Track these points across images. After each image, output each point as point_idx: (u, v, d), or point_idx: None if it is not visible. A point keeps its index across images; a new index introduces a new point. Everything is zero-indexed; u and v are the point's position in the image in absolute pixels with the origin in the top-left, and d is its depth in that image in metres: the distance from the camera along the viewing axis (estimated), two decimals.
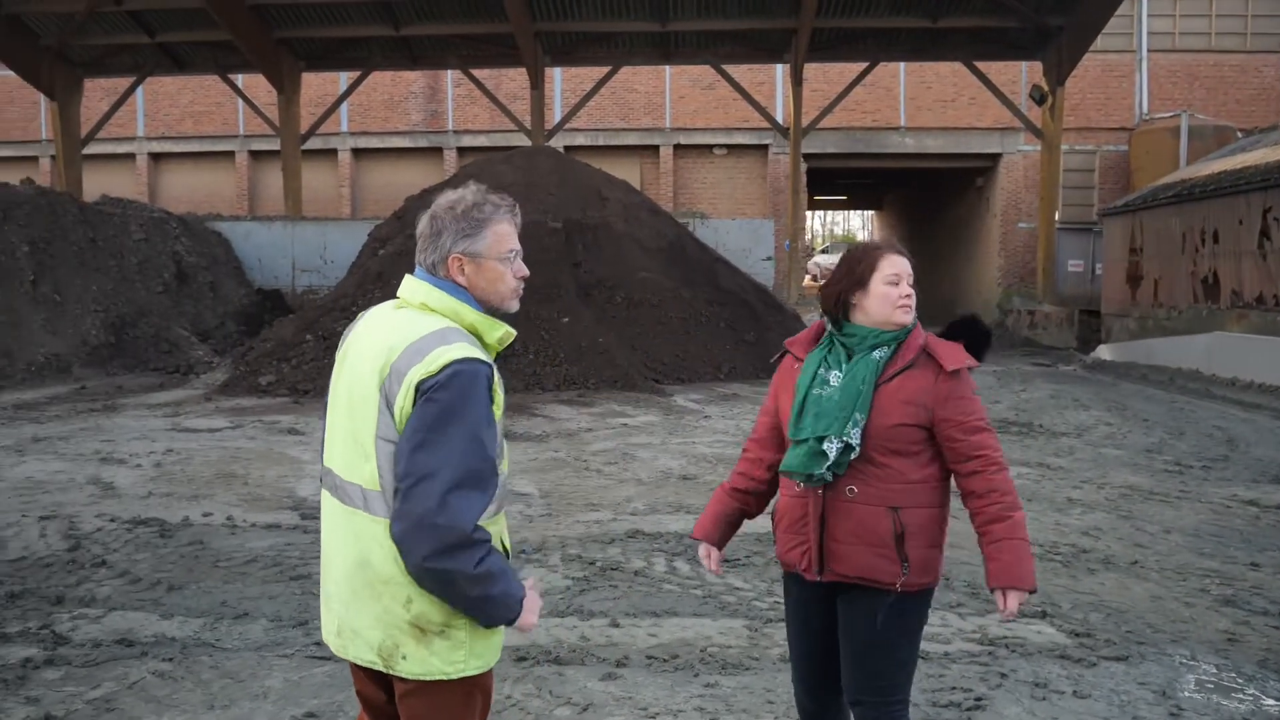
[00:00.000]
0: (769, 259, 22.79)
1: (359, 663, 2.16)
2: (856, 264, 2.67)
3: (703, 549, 2.85)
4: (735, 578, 5.27)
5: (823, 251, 74.42)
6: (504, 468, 2.22)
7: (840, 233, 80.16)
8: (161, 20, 21.81)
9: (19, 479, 7.82)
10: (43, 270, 16.05)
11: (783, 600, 2.83)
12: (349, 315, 14.91)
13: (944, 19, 21.16)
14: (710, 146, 28.53)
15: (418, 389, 2.02)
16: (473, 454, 2.00)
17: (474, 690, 2.16)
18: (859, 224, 72.61)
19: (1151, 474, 8.00)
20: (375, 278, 15.86)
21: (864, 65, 22.98)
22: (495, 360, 2.21)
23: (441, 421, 2.00)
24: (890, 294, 2.61)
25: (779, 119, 25.62)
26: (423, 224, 2.22)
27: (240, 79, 25.21)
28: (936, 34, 21.87)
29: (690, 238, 19.69)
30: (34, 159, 28.66)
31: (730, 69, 23.51)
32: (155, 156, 29.11)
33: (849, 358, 2.61)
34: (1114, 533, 6.19)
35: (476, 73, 24.26)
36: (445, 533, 1.95)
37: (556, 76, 27.79)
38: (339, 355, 2.26)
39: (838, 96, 23.04)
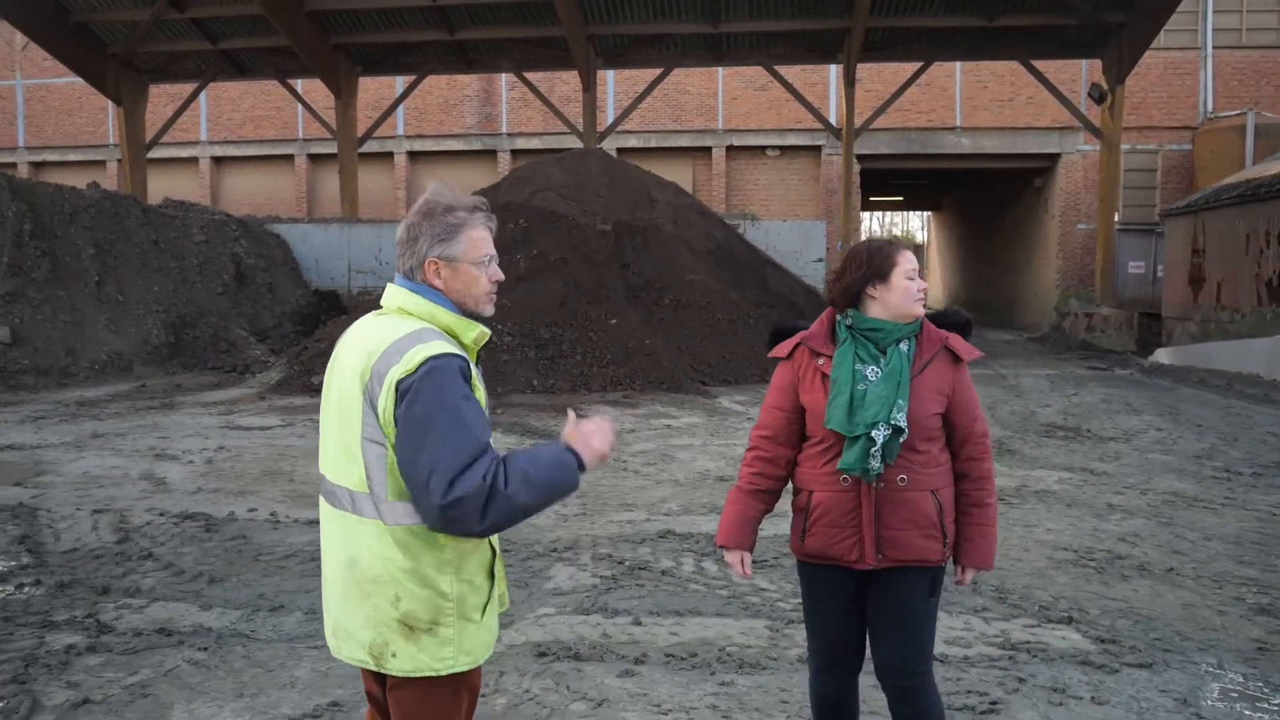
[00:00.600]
0: (820, 260, 22.68)
1: (352, 662, 2.24)
2: (875, 258, 2.78)
3: (733, 555, 2.93)
4: (762, 579, 5.29)
5: None
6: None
7: (899, 233, 79.36)
8: (223, 27, 22.38)
9: (76, 474, 8.12)
10: (107, 271, 16.57)
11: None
12: None
13: (1001, 18, 20.86)
14: (763, 148, 28.45)
15: (397, 388, 2.09)
16: (461, 437, 2.06)
17: (461, 687, 2.22)
18: (918, 225, 71.70)
19: (1198, 480, 7.83)
20: None
21: (918, 65, 22.74)
22: (476, 361, 2.28)
23: (428, 420, 2.07)
24: (910, 288, 2.75)
25: (832, 120, 25.48)
26: (400, 230, 2.28)
27: (300, 84, 25.76)
28: (993, 33, 21.55)
29: (739, 239, 19.68)
30: (102, 163, 29.58)
31: (783, 70, 23.43)
32: (218, 160, 29.85)
33: (880, 351, 2.72)
34: (1152, 539, 6.08)
35: (530, 75, 24.48)
36: (472, 502, 2.03)
37: (609, 79, 27.93)
38: (330, 363, 2.33)
39: (891, 97, 22.83)
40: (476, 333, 2.27)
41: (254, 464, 8.57)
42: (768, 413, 2.87)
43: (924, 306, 2.79)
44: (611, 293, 15.85)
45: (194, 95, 24.19)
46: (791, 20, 21.68)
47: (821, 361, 2.76)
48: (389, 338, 2.16)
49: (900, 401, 2.64)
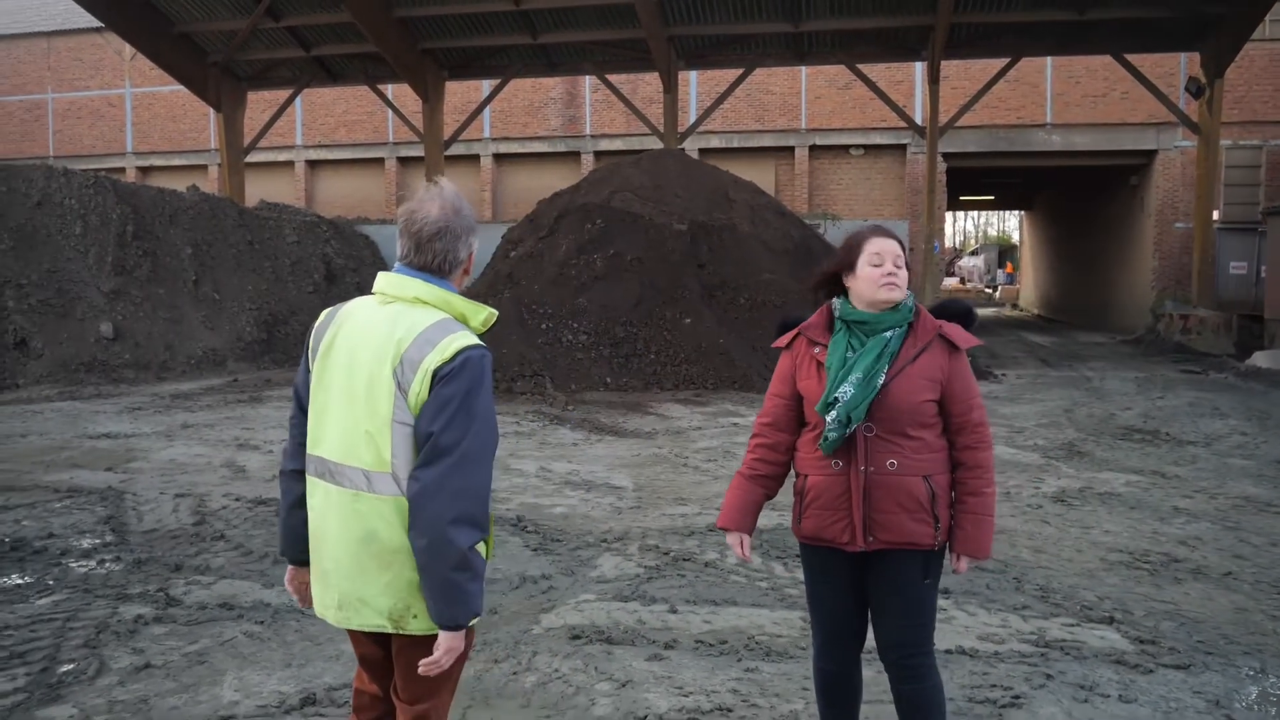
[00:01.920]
0: None
1: (365, 629, 2.37)
2: (845, 246, 2.88)
3: (732, 537, 3.01)
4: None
5: (971, 254, 72.10)
6: None
7: (995, 234, 77.41)
8: (316, 35, 23.16)
9: (164, 461, 8.57)
10: (204, 271, 17.34)
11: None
12: None
13: (1091, 10, 20.26)
14: (847, 147, 28.18)
15: (434, 375, 2.24)
16: (487, 434, 2.26)
17: (467, 637, 2.38)
18: (1015, 224, 69.93)
19: (1275, 486, 7.56)
20: (505, 279, 16.43)
21: (1006, 61, 22.25)
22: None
23: (463, 405, 2.23)
24: (873, 274, 2.79)
25: (918, 118, 25.11)
26: (441, 221, 2.37)
27: (390, 89, 26.47)
28: (1083, 26, 20.95)
29: (818, 239, 19.54)
30: (204, 167, 30.89)
31: (867, 68, 23.17)
32: (312, 163, 30.87)
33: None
34: (1214, 543, 5.92)
35: (613, 77, 24.71)
36: (470, 504, 2.21)
37: (692, 79, 28.02)
38: (320, 349, 2.42)
39: (976, 94, 22.39)
40: (485, 314, 2.41)
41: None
42: (769, 400, 2.95)
43: (900, 291, 2.79)
44: (686, 292, 15.93)
45: (289, 101, 25.07)
46: (874, 18, 21.45)
47: (817, 350, 2.83)
48: (416, 327, 2.29)
49: (852, 378, 2.71)
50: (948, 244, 71.88)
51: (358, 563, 2.32)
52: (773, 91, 27.94)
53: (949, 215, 74.50)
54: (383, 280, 2.41)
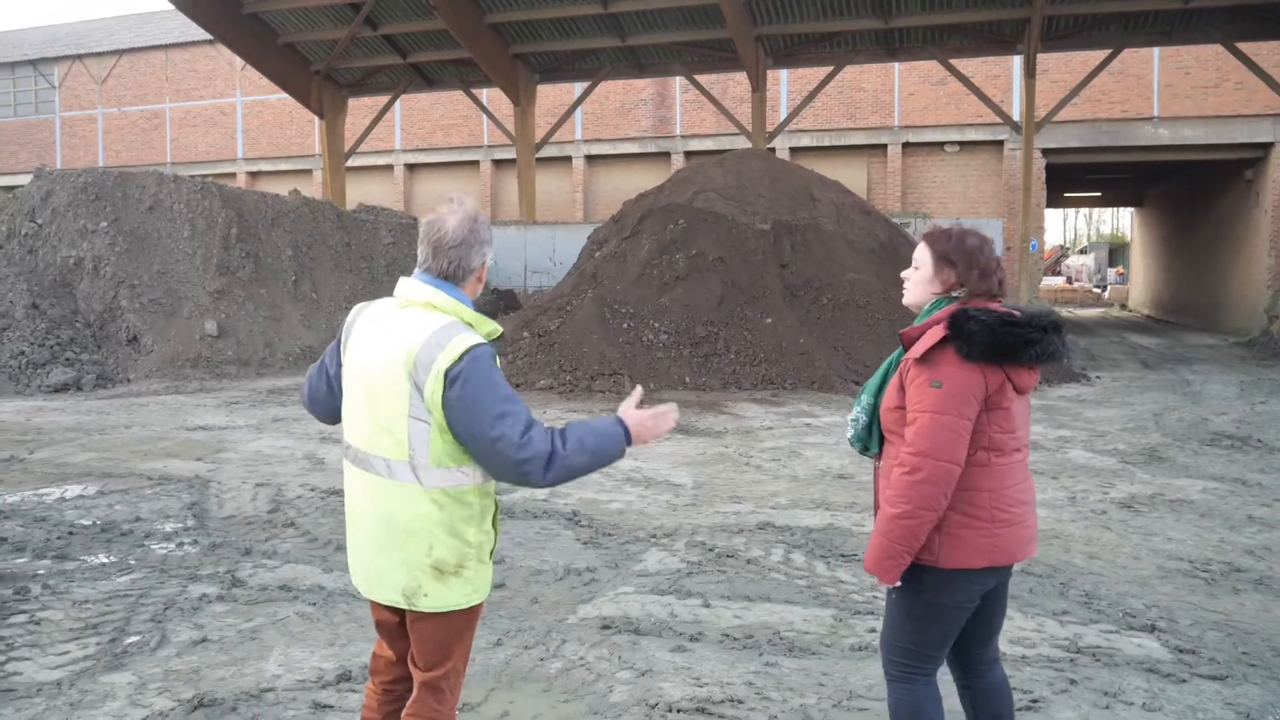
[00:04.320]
0: None
1: (384, 602, 2.60)
2: None
3: None
4: (845, 571, 5.34)
5: (1081, 252, 69.70)
6: None
7: (1108, 232, 74.68)
8: (412, 42, 23.88)
9: (250, 452, 9.02)
10: (303, 271, 18.07)
11: (887, 594, 2.86)
12: (563, 314, 15.81)
13: None
14: (941, 144, 27.68)
15: (446, 375, 2.44)
16: (515, 407, 2.46)
17: (472, 614, 2.62)
18: (1129, 222, 67.34)
19: None
20: (590, 278, 16.66)
21: (1107, 52, 21.55)
22: None
23: (483, 397, 2.44)
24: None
25: (1015, 113, 24.50)
26: (459, 233, 2.56)
27: (485, 94, 27.10)
28: (1189, 15, 20.18)
29: (904, 238, 19.25)
30: (309, 171, 32.11)
31: (961, 63, 22.75)
32: (410, 167, 31.80)
33: None
34: None
35: (703, 78, 24.80)
36: (536, 459, 2.43)
37: (782, 78, 27.90)
38: (350, 343, 2.66)
39: (1075, 87, 21.75)
40: (490, 327, 2.60)
41: None
42: None
43: (907, 295, 2.84)
44: (768, 292, 15.91)
45: (387, 106, 25.89)
46: (967, 11, 21.03)
47: None
48: (427, 330, 2.49)
49: (864, 398, 2.81)
50: (1056, 242, 69.73)
51: (379, 542, 2.55)
52: (864, 89, 27.61)
53: (1059, 213, 72.34)
54: (402, 285, 2.62)
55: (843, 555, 5.64)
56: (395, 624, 2.68)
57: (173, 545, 5.95)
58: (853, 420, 2.85)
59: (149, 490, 7.42)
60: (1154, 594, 5.00)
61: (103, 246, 16.27)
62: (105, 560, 5.62)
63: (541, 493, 7.35)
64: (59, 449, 9.16)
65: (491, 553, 2.60)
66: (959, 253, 2.74)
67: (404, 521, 2.50)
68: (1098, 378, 15.43)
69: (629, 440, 2.55)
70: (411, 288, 2.58)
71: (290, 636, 4.41)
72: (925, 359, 2.63)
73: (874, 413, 2.80)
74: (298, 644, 4.32)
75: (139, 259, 16.36)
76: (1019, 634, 4.38)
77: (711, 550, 5.75)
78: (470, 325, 2.54)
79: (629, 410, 2.59)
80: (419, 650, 2.59)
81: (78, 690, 3.83)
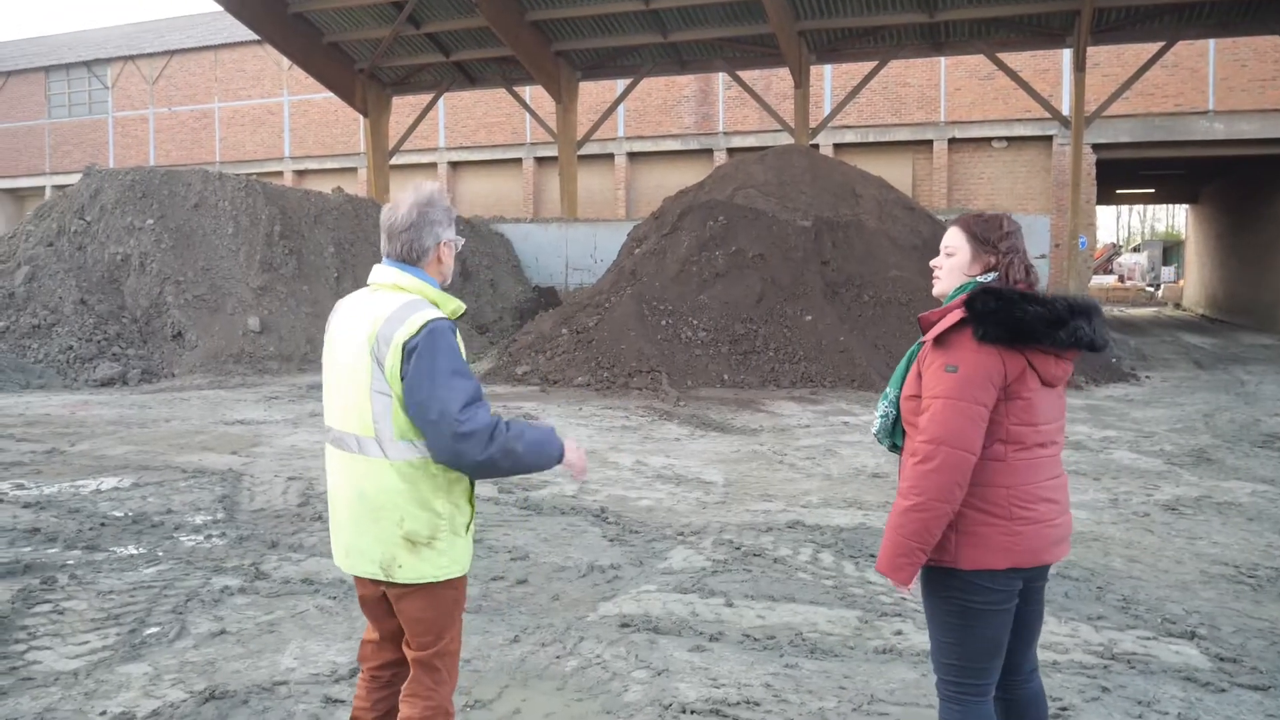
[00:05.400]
0: (1043, 256, 21.42)
1: (364, 576, 2.66)
2: None
3: None
4: (874, 572, 5.21)
5: (1133, 250, 68.25)
6: None
7: (1163, 229, 73.11)
8: (454, 40, 23.98)
9: (285, 447, 9.07)
10: (345, 268, 18.21)
11: (917, 597, 2.74)
12: (601, 311, 15.76)
13: None
14: (988, 139, 27.22)
15: (404, 348, 2.52)
16: (465, 383, 2.51)
17: (455, 591, 2.66)
18: (1184, 220, 65.86)
19: None
20: (629, 275, 16.60)
21: (1160, 45, 21.02)
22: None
23: (433, 369, 2.49)
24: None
25: (1064, 107, 24.01)
26: (408, 217, 2.65)
27: (527, 92, 27.15)
28: (1246, 5, 19.60)
29: None
30: (354, 170, 32.43)
31: (1009, 57, 22.33)
32: (454, 165, 31.98)
33: None
34: None
35: (746, 74, 24.61)
36: (480, 433, 2.48)
37: (826, 73, 27.62)
38: (327, 337, 2.75)
39: (1127, 81, 21.22)
40: (454, 305, 2.68)
41: None
42: None
43: (939, 285, 2.71)
44: (809, 289, 15.75)
45: (430, 104, 26.04)
46: (1014, 4, 20.62)
47: None
48: (390, 308, 2.59)
49: (891, 384, 2.70)
50: (1109, 240, 68.36)
51: (354, 516, 2.63)
52: (909, 84, 27.23)
53: (1112, 211, 70.89)
54: (373, 271, 2.72)
55: (872, 555, 5.50)
56: (378, 598, 2.71)
57: (201, 537, 5.98)
58: (881, 416, 2.73)
59: (182, 483, 7.48)
60: (1195, 599, 4.81)
61: (149, 243, 16.53)
62: (134, 552, 5.66)
63: (570, 488, 7.30)
64: (99, 441, 9.30)
65: (467, 527, 2.64)
66: (998, 235, 2.62)
67: (374, 496, 2.57)
68: (1147, 377, 15.05)
69: (560, 458, 2.63)
70: (379, 273, 2.69)
71: (308, 630, 4.39)
72: (941, 341, 2.50)
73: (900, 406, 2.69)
74: (314, 637, 4.30)
75: (184, 256, 16.59)
76: (1051, 639, 4.23)
77: (738, 549, 5.65)
78: (435, 303, 2.61)
79: (569, 437, 2.67)
80: (409, 630, 2.65)
81: (94, 680, 3.84)
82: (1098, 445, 9.15)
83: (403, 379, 2.50)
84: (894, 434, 2.71)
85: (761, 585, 5.00)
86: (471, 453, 2.46)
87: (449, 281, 2.74)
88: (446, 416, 2.44)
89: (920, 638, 4.21)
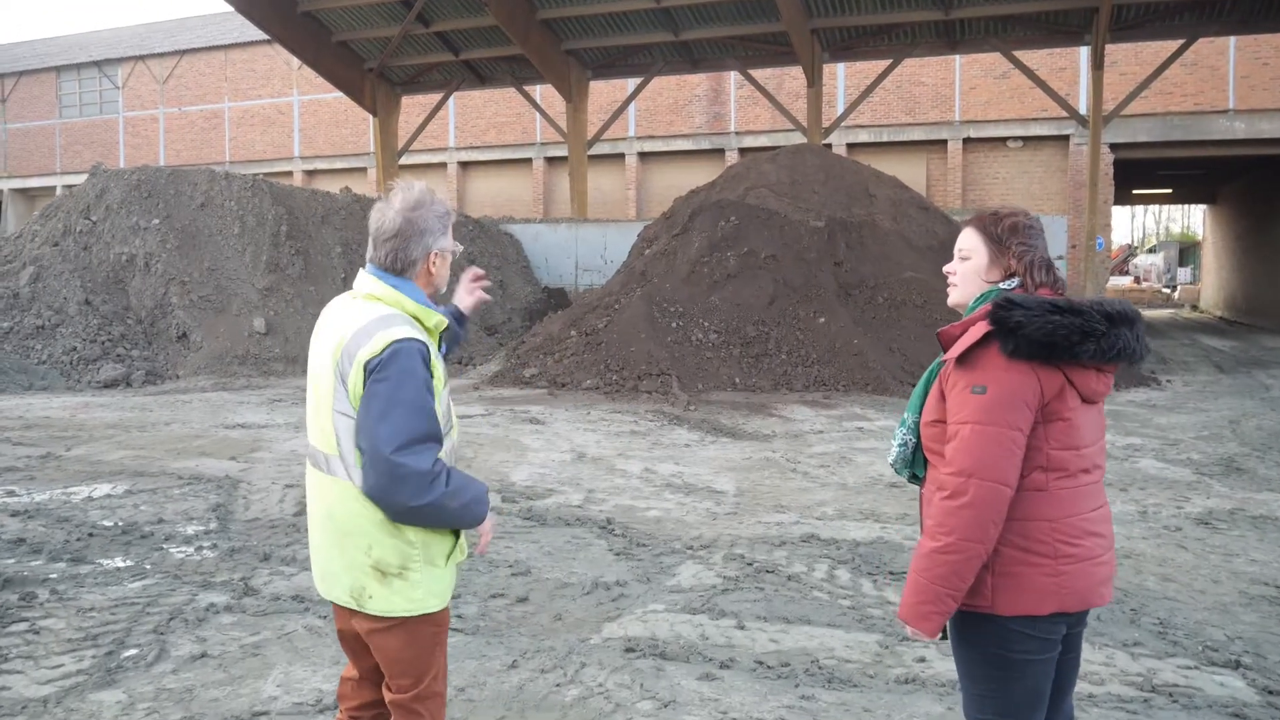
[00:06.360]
0: (1060, 258, 21.09)
1: (339, 603, 2.43)
2: None
3: None
4: (894, 591, 4.95)
5: (1149, 251, 67.64)
6: (453, 436, 2.48)
7: (1179, 229, 72.46)
8: (464, 39, 23.77)
9: (284, 452, 8.85)
10: (352, 268, 17.99)
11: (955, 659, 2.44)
12: (611, 313, 15.51)
13: None
14: (1004, 139, 26.88)
15: (365, 367, 2.27)
16: (417, 418, 2.25)
17: (435, 626, 2.43)
18: (1199, 220, 65.26)
19: None
20: (639, 276, 16.36)
21: (1179, 43, 20.66)
22: (438, 344, 2.48)
23: (388, 396, 2.24)
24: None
25: (1081, 106, 23.65)
26: (394, 224, 2.40)
27: (537, 91, 26.92)
28: (1267, 2, 19.22)
29: None
30: (364, 170, 32.27)
31: (1025, 55, 22.00)
32: (464, 165, 31.77)
33: None
34: None
35: (758, 73, 24.33)
36: (412, 479, 2.23)
37: (839, 72, 27.32)
38: (311, 344, 2.52)
39: (1145, 79, 20.88)
40: (436, 319, 2.43)
41: None
42: None
43: (954, 294, 2.43)
44: (822, 290, 15.48)
45: (440, 104, 25.84)
46: (1031, 1, 20.29)
47: None
48: (360, 321, 2.34)
49: (910, 408, 2.41)
50: (1124, 241, 67.79)
51: (326, 540, 2.43)
52: (924, 83, 26.91)
53: (1126, 211, 70.28)
54: (358, 276, 2.48)
55: (891, 573, 5.24)
56: (353, 633, 2.49)
57: (191, 549, 5.75)
58: (899, 444, 2.42)
59: (177, 490, 7.26)
60: (1237, 624, 4.53)
61: (154, 243, 16.36)
62: (120, 564, 5.43)
63: (576, 498, 7.05)
64: (96, 446, 9.09)
65: (449, 556, 2.42)
66: (1018, 234, 2.33)
67: (342, 519, 2.37)
68: (1168, 381, 14.72)
69: (480, 522, 2.44)
70: (360, 280, 2.47)
71: (294, 653, 4.15)
72: (965, 360, 2.21)
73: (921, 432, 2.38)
74: (301, 661, 4.06)
75: (190, 256, 16.42)
76: (1087, 668, 3.96)
77: (750, 565, 5.39)
78: (415, 318, 2.38)
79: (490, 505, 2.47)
80: (385, 669, 2.44)
81: (64, 709, 3.61)
82: (1122, 453, 8.86)
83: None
84: (914, 463, 2.41)
85: (775, 605, 4.74)
86: (402, 497, 2.24)
87: (442, 291, 2.48)
88: (382, 452, 2.22)
89: (945, 664, 3.95)
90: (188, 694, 3.74)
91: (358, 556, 2.35)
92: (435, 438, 2.28)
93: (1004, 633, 2.21)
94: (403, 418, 2.23)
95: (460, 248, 2.53)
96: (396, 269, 2.40)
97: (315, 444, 2.42)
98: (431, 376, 2.32)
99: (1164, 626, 4.45)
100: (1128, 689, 3.77)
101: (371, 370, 2.26)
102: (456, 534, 2.44)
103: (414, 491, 2.23)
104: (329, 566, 2.42)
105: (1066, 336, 2.15)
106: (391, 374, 2.24)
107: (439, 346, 2.48)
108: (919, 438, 2.37)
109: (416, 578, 2.35)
